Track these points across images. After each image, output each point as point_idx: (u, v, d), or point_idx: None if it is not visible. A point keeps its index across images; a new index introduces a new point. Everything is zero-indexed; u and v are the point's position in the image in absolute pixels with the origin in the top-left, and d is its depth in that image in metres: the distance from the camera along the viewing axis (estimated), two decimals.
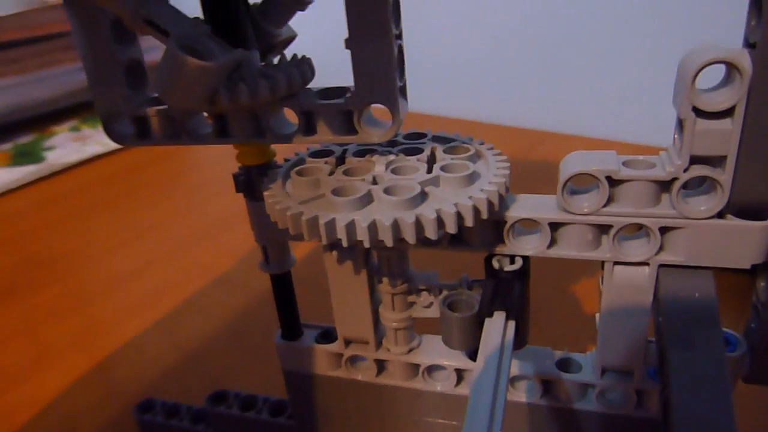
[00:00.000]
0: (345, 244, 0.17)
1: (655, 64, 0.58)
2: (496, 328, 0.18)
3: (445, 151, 0.20)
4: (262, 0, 0.20)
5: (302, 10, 0.21)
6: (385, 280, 0.21)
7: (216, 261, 0.45)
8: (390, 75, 0.18)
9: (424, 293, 0.22)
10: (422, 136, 0.22)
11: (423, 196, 0.18)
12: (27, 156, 0.66)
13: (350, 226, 0.17)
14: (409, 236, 0.17)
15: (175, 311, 0.40)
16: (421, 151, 0.21)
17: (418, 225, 0.17)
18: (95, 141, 0.69)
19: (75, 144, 0.68)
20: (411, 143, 0.21)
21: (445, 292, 0.21)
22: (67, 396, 0.33)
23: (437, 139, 0.22)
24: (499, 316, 0.18)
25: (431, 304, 0.22)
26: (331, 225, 0.17)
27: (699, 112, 0.16)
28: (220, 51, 0.17)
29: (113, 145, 0.68)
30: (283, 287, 0.23)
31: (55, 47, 0.74)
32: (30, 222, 0.54)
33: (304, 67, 0.20)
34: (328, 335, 0.24)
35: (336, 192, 0.18)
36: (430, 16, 0.68)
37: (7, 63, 0.70)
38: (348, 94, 0.19)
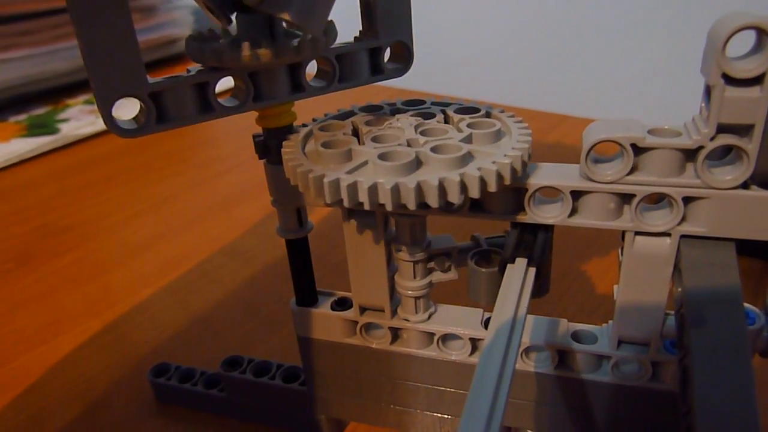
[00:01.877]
0: (412, 207, 0.17)
1: (672, 49, 0.57)
2: (517, 274, 0.18)
3: (457, 112, 0.20)
4: None
5: None
6: (404, 249, 0.21)
7: (229, 233, 0.45)
8: (408, 12, 0.21)
9: (442, 257, 0.22)
10: (422, 102, 0.22)
11: (469, 154, 0.18)
12: (41, 127, 0.66)
13: (418, 189, 0.17)
14: (475, 192, 0.17)
15: (188, 281, 0.40)
16: (433, 115, 0.21)
17: (482, 180, 0.17)
18: None
19: (89, 116, 0.69)
20: (417, 108, 0.21)
21: (478, 247, 0.21)
22: (82, 358, 0.33)
23: (436, 103, 0.22)
24: (520, 263, 0.18)
25: (449, 267, 0.22)
26: (395, 191, 0.17)
27: (728, 79, 0.16)
28: None
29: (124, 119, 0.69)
30: (299, 252, 0.23)
31: (68, 20, 0.73)
32: (45, 192, 0.54)
33: (332, 26, 0.20)
34: (343, 303, 0.24)
35: (384, 158, 0.18)
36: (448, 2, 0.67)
37: (22, 35, 0.70)
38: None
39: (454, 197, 0.17)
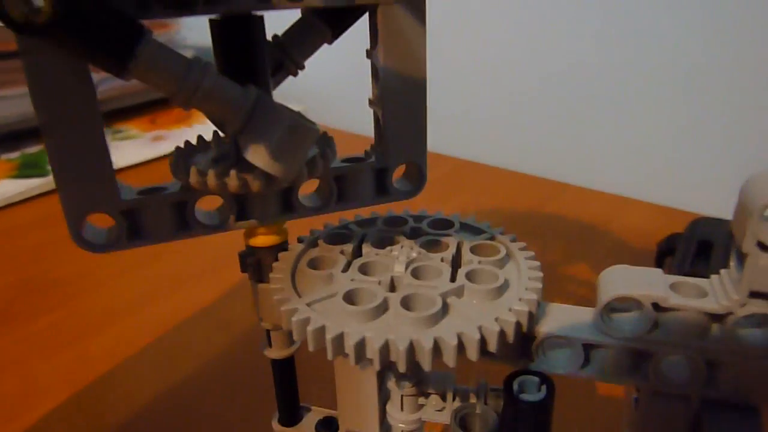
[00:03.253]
0: (353, 362, 0.15)
1: (676, 125, 0.56)
2: None
3: (472, 250, 0.19)
4: (288, 31, 0.19)
5: (329, 43, 0.19)
6: (393, 378, 0.20)
7: (218, 301, 0.43)
8: (423, 134, 0.19)
9: (437, 397, 0.20)
10: (449, 224, 0.20)
11: (444, 310, 0.16)
12: (33, 167, 0.65)
13: (360, 345, 0.15)
14: (425, 363, 0.15)
15: (170, 354, 0.38)
16: (446, 246, 0.19)
17: (436, 349, 0.15)
18: None
19: None
20: (435, 233, 0.20)
21: (457, 403, 0.19)
22: None
23: (465, 228, 0.20)
24: None
25: (444, 408, 0.20)
26: (339, 340, 0.15)
27: (764, 247, 0.14)
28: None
29: (121, 164, 0.67)
30: (284, 372, 0.21)
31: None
32: (30, 240, 0.53)
33: (332, 144, 0.18)
34: (328, 424, 0.22)
35: (349, 297, 0.16)
36: (454, 60, 0.67)
37: (20, 71, 0.69)
38: (371, 159, 0.19)
39: (402, 366, 0.15)
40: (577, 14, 0.59)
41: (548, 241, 0.47)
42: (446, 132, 0.71)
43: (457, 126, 0.68)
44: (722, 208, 0.44)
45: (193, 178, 0.17)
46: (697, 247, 0.37)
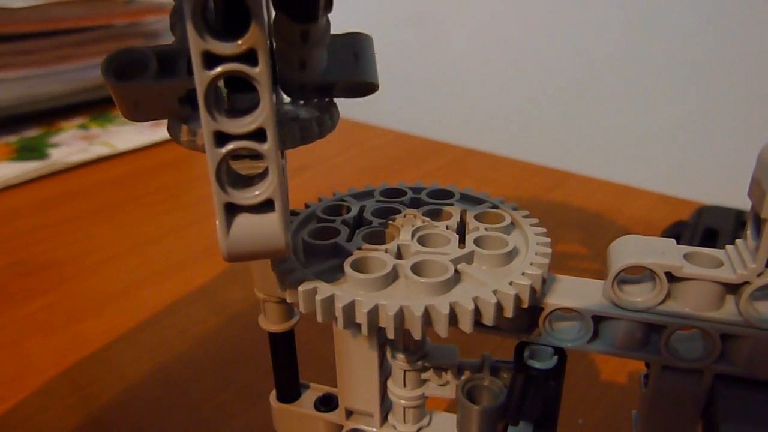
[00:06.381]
0: (365, 332, 0.14)
1: (680, 114, 0.56)
2: None
3: (477, 218, 0.18)
4: None
5: None
6: (395, 354, 0.19)
7: (215, 285, 0.43)
8: None
9: (441, 371, 0.19)
10: (449, 195, 0.20)
11: (456, 276, 0.15)
12: (31, 151, 0.64)
13: (373, 313, 0.14)
14: (442, 329, 0.14)
15: (165, 337, 0.37)
16: (449, 215, 0.18)
17: (452, 315, 0.14)
18: (101, 141, 0.67)
19: (81, 143, 0.66)
20: (437, 203, 0.19)
21: (466, 374, 0.19)
22: (44, 423, 0.31)
23: (466, 198, 0.20)
24: (525, 428, 0.16)
25: (448, 383, 0.20)
26: (349, 309, 0.14)
27: None
28: None
29: (120, 148, 0.67)
30: (283, 346, 0.21)
31: (70, 42, 0.72)
32: (26, 223, 0.52)
33: (333, 110, 0.18)
34: (328, 401, 0.22)
35: (356, 266, 0.16)
36: (458, 50, 0.66)
37: (20, 54, 0.68)
38: None
39: (417, 333, 0.14)
40: (581, 3, 0.58)
41: (552, 230, 0.46)
42: (450, 120, 0.71)
43: (462, 115, 0.67)
44: (727, 197, 0.44)
45: (184, 137, 0.16)
46: (702, 234, 0.36)
